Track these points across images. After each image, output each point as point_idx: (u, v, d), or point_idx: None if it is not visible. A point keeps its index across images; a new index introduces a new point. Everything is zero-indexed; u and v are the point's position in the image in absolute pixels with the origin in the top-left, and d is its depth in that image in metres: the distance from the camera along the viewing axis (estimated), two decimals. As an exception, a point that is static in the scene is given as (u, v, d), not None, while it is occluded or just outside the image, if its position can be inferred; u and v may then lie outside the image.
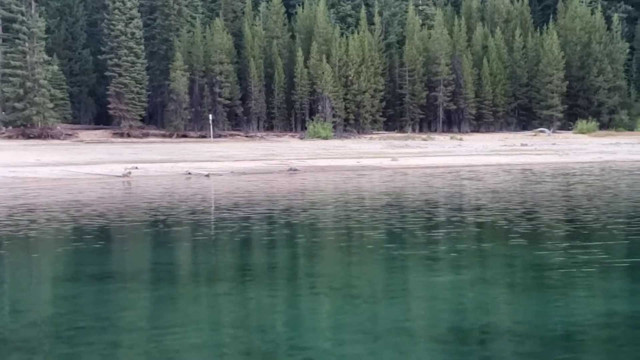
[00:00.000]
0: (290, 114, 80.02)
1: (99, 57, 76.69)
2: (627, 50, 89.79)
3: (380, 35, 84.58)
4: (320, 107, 76.77)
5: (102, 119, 78.71)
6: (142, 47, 75.17)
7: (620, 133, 76.96)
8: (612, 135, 73.09)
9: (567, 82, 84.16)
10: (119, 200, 27.61)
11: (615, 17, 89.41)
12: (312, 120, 75.24)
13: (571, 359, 7.64)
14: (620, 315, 9.41)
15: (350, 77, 78.32)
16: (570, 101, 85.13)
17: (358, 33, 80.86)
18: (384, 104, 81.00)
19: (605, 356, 7.78)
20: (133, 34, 73.79)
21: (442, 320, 9.40)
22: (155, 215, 21.52)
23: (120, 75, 73.19)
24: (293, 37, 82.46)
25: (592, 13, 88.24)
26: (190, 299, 11.09)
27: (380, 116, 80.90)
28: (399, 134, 76.97)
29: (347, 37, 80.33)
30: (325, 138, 70.42)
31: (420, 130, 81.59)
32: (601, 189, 28.31)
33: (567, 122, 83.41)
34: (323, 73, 76.18)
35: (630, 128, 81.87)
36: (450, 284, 11.60)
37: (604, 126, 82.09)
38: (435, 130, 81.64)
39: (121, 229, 18.95)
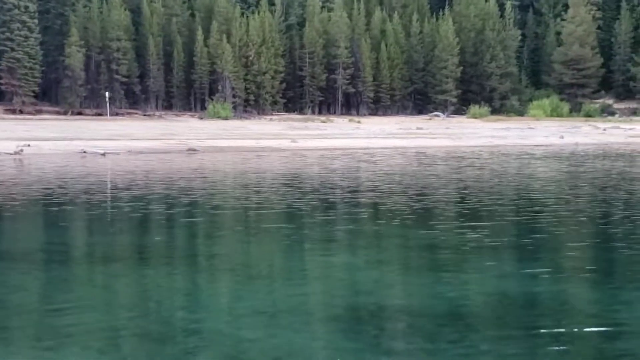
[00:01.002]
0: (189, 93, 79.09)
1: (-11, 30, 73.65)
2: (519, 38, 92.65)
3: (280, 17, 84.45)
4: (220, 87, 76.18)
5: (-8, 94, 75.74)
6: (36, 21, 72.66)
7: (511, 118, 79.46)
8: (503, 120, 75.35)
9: (462, 67, 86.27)
10: (9, 178, 26.76)
11: (508, 4, 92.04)
12: (212, 100, 74.59)
13: (461, 337, 7.93)
14: (508, 294, 9.83)
15: (250, 58, 77.96)
16: (464, 86, 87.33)
17: (259, 13, 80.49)
18: (284, 85, 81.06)
19: (493, 333, 8.12)
20: (27, 7, 71.22)
21: (337, 300, 9.58)
22: (48, 194, 21.00)
23: (12, 49, 70.61)
24: (193, 15, 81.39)
25: (486, 0, 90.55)
26: (84, 280, 10.92)
27: (280, 97, 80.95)
28: (298, 116, 77.27)
29: (247, 17, 79.86)
30: (225, 118, 69.99)
31: (320, 113, 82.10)
32: (490, 173, 29.24)
33: (461, 106, 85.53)
34: (223, 53, 75.56)
35: (521, 113, 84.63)
36: (346, 264, 11.81)
37: (495, 111, 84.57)
38: (335, 113, 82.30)
39: (12, 207, 18.39)
